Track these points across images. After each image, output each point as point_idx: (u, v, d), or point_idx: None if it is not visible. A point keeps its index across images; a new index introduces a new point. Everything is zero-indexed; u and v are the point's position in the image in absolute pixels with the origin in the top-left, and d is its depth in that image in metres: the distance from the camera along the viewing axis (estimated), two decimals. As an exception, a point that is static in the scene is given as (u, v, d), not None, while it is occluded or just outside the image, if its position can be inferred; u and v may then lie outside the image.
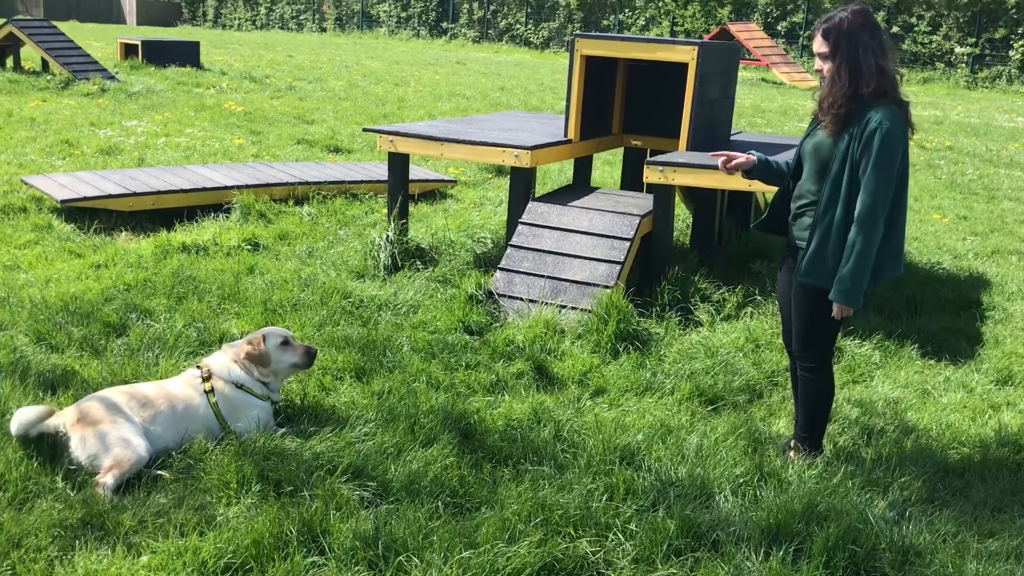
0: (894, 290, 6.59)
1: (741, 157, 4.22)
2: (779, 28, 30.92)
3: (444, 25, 39.96)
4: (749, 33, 25.98)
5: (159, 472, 3.70)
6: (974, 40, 27.87)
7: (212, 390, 4.06)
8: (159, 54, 17.70)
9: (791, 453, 4.22)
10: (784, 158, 4.38)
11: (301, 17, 45.49)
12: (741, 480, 3.87)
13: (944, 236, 8.86)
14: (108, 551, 3.17)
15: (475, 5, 38.90)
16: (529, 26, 37.31)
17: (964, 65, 28.09)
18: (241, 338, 4.39)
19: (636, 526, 3.44)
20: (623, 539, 3.37)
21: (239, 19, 47.61)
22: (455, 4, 39.55)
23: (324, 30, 44.17)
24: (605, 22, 35.13)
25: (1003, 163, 13.51)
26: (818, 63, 3.90)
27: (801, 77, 25.37)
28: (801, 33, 30.58)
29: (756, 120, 16.50)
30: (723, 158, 4.25)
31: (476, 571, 3.06)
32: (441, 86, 19.12)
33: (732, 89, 7.24)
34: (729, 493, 3.74)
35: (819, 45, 3.85)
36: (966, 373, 5.41)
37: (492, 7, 38.47)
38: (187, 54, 18.06)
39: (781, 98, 21.13)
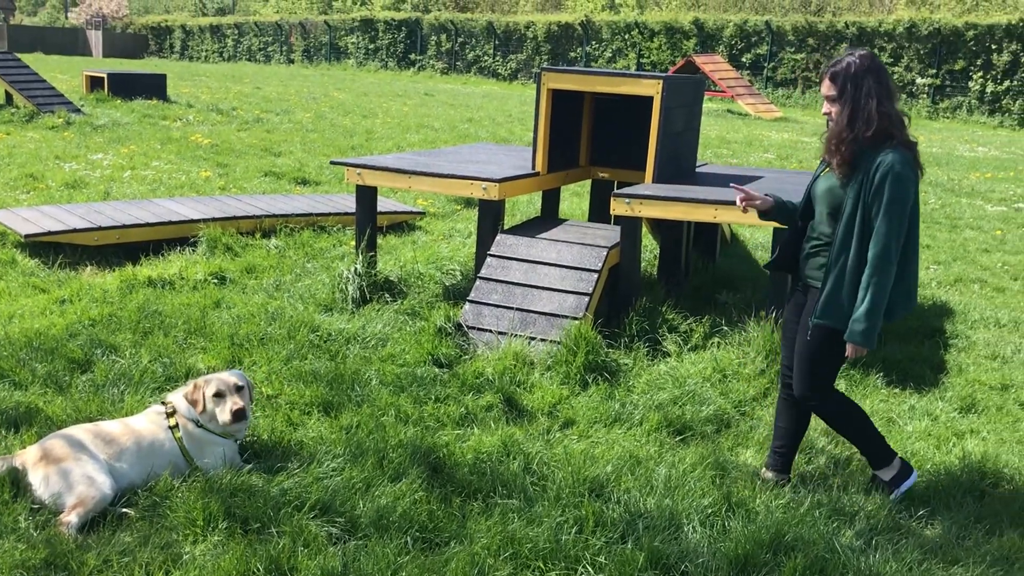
0: (858, 319, 6.66)
1: (758, 199, 4.28)
2: (744, 60, 31.37)
3: (412, 57, 40.18)
4: (714, 65, 26.35)
5: (124, 510, 3.66)
6: (935, 71, 28.42)
7: (177, 426, 4.02)
8: (125, 87, 17.65)
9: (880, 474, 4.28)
10: (796, 198, 4.43)
11: (269, 49, 45.58)
12: (709, 511, 3.88)
13: (907, 265, 8.97)
14: (71, 592, 3.13)
15: (443, 37, 39.17)
16: (497, 58, 37.61)
17: (925, 96, 28.61)
18: (208, 374, 4.36)
19: (605, 558, 3.44)
20: (593, 572, 3.37)
21: (206, 51, 47.63)
22: (423, 36, 39.80)
23: (292, 62, 44.25)
24: (572, 54, 35.46)
25: (964, 192, 13.74)
26: (825, 106, 3.98)
27: (766, 108, 25.72)
28: (765, 65, 31.04)
29: (722, 151, 16.69)
30: (742, 195, 4.29)
31: (445, 607, 3.05)
32: (409, 118, 19.19)
33: (697, 121, 7.34)
34: (698, 524, 3.76)
35: (827, 88, 3.94)
36: (930, 401, 5.47)
37: (460, 39, 38.75)
38: (153, 86, 18.02)
39: (746, 129, 21.39)
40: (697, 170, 7.64)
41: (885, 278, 3.82)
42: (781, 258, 4.34)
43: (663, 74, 6.72)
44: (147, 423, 4.04)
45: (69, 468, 3.65)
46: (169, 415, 4.06)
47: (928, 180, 14.58)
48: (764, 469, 4.41)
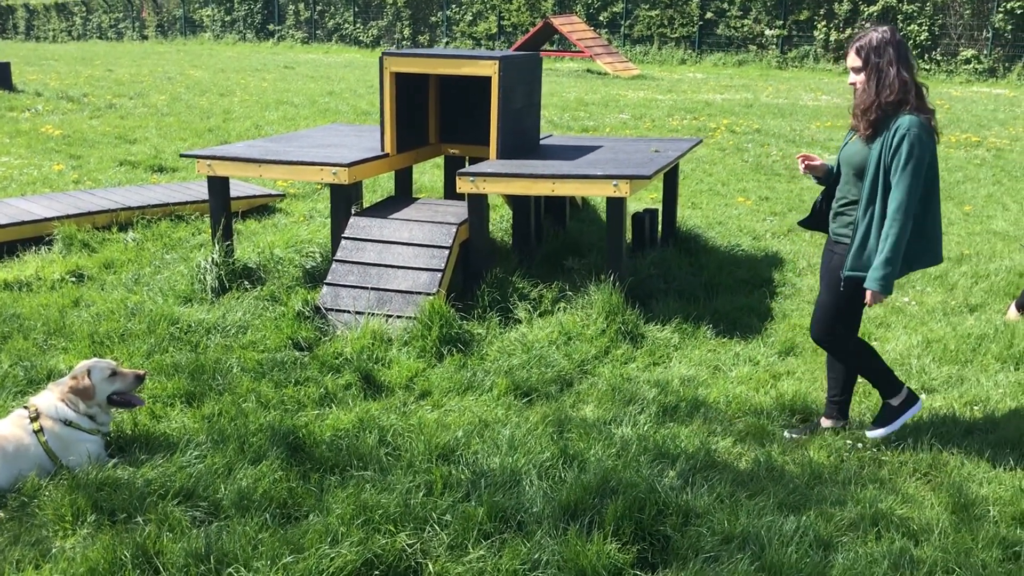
0: (693, 275, 7.19)
1: (817, 163, 4.71)
2: (601, 19, 31.92)
3: (271, 27, 39.40)
4: (571, 26, 26.79)
5: (-8, 513, 3.83)
6: (781, 23, 29.54)
7: (41, 429, 4.19)
8: (-34, 77, 16.99)
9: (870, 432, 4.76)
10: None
11: (120, 26, 43.97)
12: (548, 464, 4.28)
13: (746, 218, 9.59)
14: (-55, 594, 3.32)
15: (301, 6, 38.51)
16: (358, 25, 37.23)
17: (774, 47, 29.74)
18: (67, 374, 4.52)
19: (451, 516, 3.79)
20: (439, 529, 3.72)
21: (53, 30, 45.61)
22: (280, 5, 39.05)
23: (145, 38, 42.81)
24: (433, 18, 35.41)
25: (805, 142, 14.54)
26: (851, 77, 4.44)
27: (624, 66, 26.34)
28: (622, 23, 31.68)
29: (579, 113, 17.16)
30: (802, 157, 4.70)
31: (302, 573, 3.36)
32: (268, 94, 19.04)
33: (537, 96, 7.69)
34: (535, 477, 4.15)
35: (852, 60, 4.41)
36: (754, 348, 6.00)
37: (319, 7, 38.18)
38: (-3, 75, 17.40)
39: (604, 89, 21.93)
40: (541, 143, 8.02)
41: (901, 230, 4.25)
42: (812, 217, 4.87)
43: (500, 53, 7.05)
44: (11, 427, 4.19)
45: (-66, 478, 3.80)
46: (33, 419, 4.22)
47: (771, 132, 15.37)
48: (823, 419, 4.90)
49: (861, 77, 4.40)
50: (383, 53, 6.93)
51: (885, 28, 4.38)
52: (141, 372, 4.54)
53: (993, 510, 4.01)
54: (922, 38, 26.78)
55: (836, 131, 15.62)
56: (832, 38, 28.60)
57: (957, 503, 4.06)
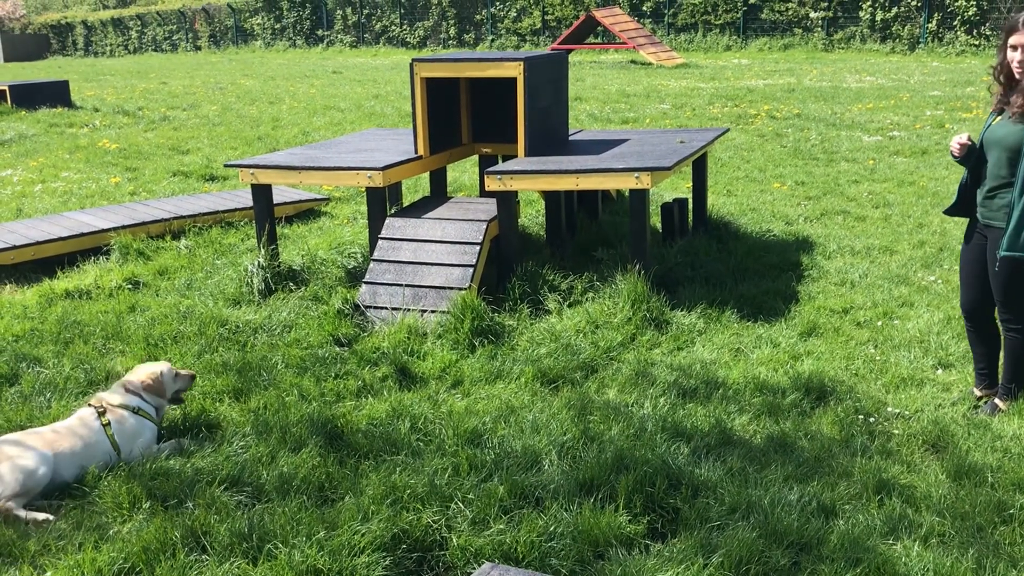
0: (721, 261, 7.38)
1: (968, 148, 4.77)
2: (644, 8, 31.97)
3: (319, 33, 40.12)
4: (614, 18, 26.92)
5: (60, 502, 4.20)
6: (826, 4, 29.31)
7: (109, 424, 4.55)
8: (28, 97, 17.70)
9: (999, 403, 4.93)
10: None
11: (174, 38, 45.07)
12: (568, 445, 4.53)
13: (780, 204, 9.71)
14: (16, 572, 3.68)
15: (348, 10, 39.15)
16: (404, 26, 37.74)
17: (820, 29, 29.52)
18: (132, 372, 4.88)
19: (474, 495, 4.07)
20: (463, 507, 4.00)
21: (110, 45, 46.91)
22: (328, 10, 39.72)
23: (199, 48, 43.83)
24: (478, 16, 35.76)
25: (845, 125, 14.55)
26: (1010, 54, 4.56)
27: (667, 56, 26.41)
28: (666, 12, 31.68)
29: (620, 105, 17.33)
30: (957, 147, 4.77)
31: (335, 548, 3.66)
32: (316, 100, 19.50)
33: (564, 94, 7.93)
34: (555, 457, 4.41)
35: (1019, 38, 4.51)
36: (777, 330, 6.18)
37: (366, 11, 38.77)
38: (57, 94, 18.09)
39: (647, 80, 22.04)
40: (571, 138, 8.25)
41: None
42: (959, 204, 4.94)
43: (525, 54, 7.30)
44: (80, 424, 4.56)
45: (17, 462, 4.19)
46: (100, 413, 4.59)
47: (812, 116, 15.39)
48: (974, 388, 5.12)
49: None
50: (413, 60, 7.22)
51: None
52: (192, 372, 4.94)
53: (993, 477, 4.18)
54: (970, 13, 26.40)
55: (877, 112, 15.60)
56: (879, 18, 28.32)
57: (960, 471, 4.23)
